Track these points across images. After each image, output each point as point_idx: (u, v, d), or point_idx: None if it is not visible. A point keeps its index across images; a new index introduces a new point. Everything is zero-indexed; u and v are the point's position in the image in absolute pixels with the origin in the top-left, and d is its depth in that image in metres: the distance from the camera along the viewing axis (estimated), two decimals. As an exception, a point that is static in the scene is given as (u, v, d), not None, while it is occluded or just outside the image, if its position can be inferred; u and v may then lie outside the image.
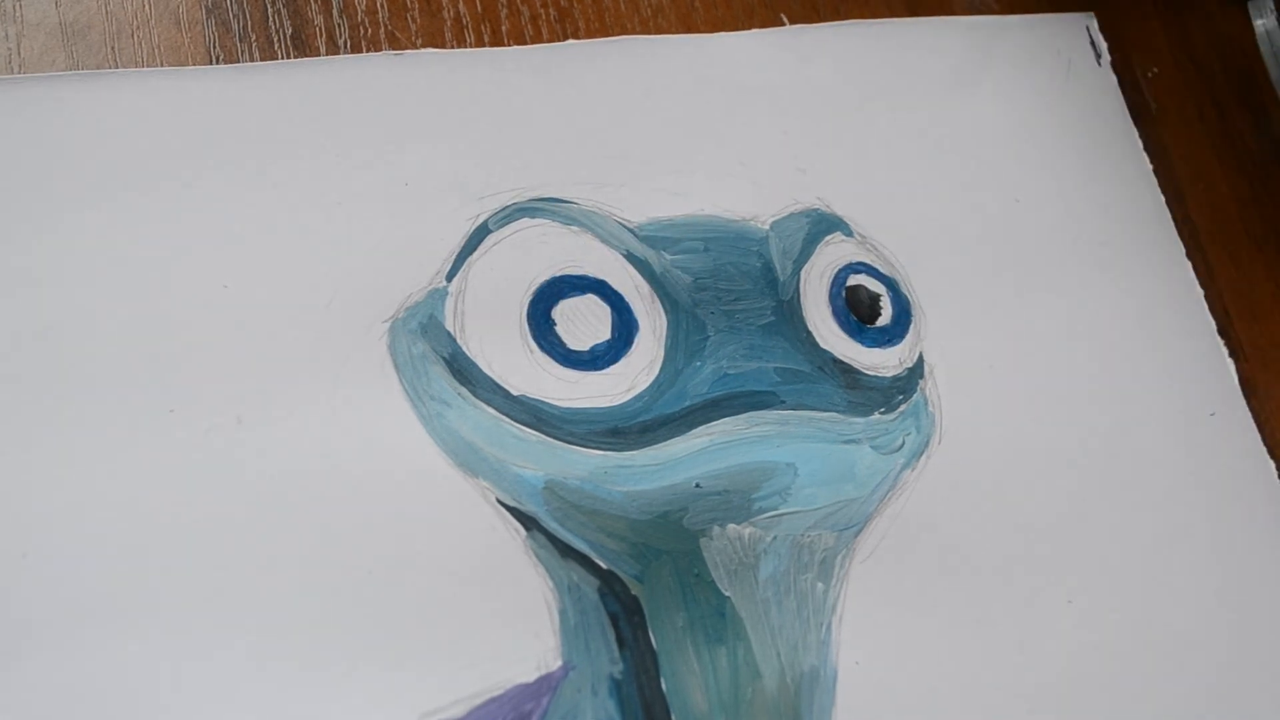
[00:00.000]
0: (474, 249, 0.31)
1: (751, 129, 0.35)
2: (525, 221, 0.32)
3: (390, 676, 0.27)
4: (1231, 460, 0.34)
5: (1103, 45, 0.39)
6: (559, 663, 0.28)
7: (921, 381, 0.33)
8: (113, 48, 0.32)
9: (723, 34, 0.36)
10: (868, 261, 0.34)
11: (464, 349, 0.30)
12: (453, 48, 0.34)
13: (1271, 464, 0.34)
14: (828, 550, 0.30)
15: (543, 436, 0.30)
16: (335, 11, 0.34)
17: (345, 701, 0.26)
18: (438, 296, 0.31)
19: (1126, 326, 0.35)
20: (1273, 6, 0.39)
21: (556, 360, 0.31)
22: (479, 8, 0.35)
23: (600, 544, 0.29)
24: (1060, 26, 0.39)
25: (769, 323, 0.32)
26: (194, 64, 0.32)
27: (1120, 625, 0.31)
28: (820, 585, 0.30)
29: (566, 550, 0.29)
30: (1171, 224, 0.37)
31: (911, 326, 0.34)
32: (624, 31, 0.36)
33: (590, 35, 0.35)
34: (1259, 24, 0.39)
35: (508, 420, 0.30)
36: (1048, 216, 0.36)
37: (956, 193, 0.36)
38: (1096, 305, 0.35)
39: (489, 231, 0.32)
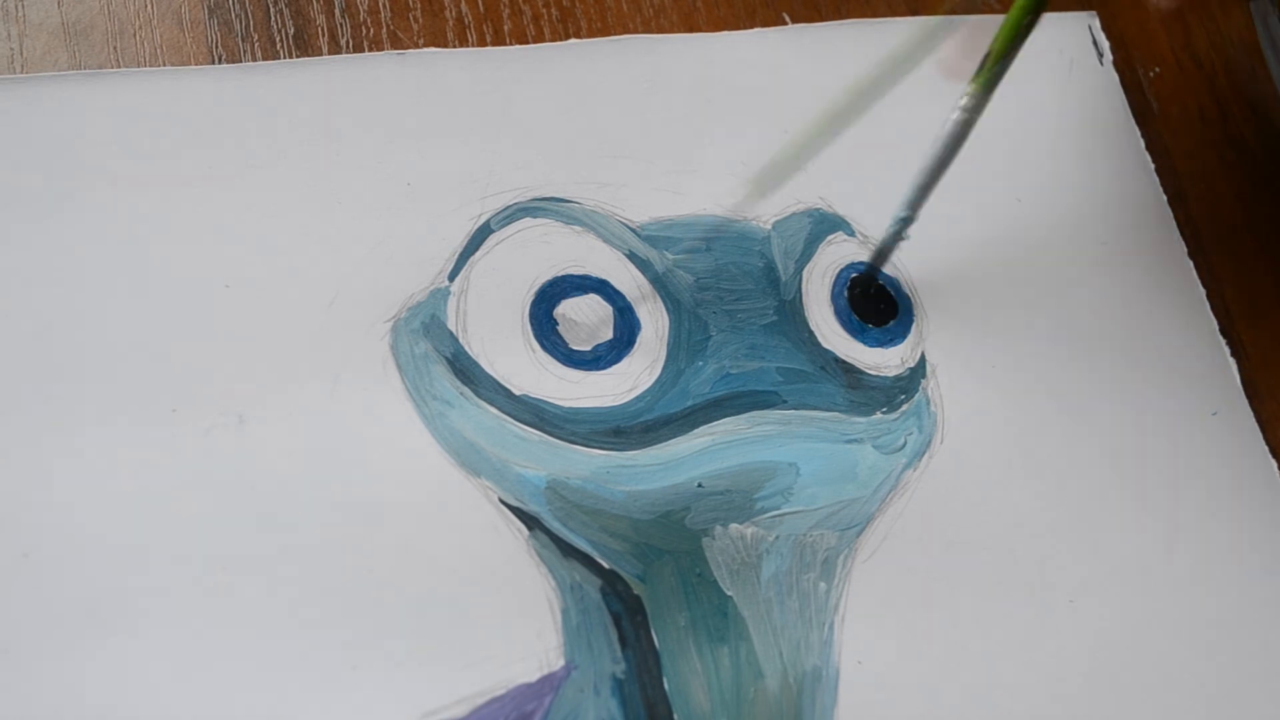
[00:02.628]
0: (476, 248, 0.31)
1: (754, 128, 0.35)
2: (527, 221, 0.32)
3: (392, 676, 0.27)
4: (1233, 460, 0.34)
5: (1105, 44, 0.39)
6: (561, 662, 0.28)
7: (924, 381, 0.33)
8: (115, 47, 0.32)
9: (725, 33, 0.36)
10: (870, 261, 0.34)
11: (466, 349, 0.30)
12: (455, 47, 0.34)
13: (1273, 463, 0.34)
14: (830, 550, 0.30)
15: (545, 436, 0.30)
16: (338, 11, 0.34)
17: (347, 701, 0.26)
18: (440, 296, 0.31)
19: (1128, 326, 0.35)
20: (1273, 5, 0.39)
21: (559, 360, 0.31)
22: (481, 7, 0.35)
23: (602, 544, 0.29)
24: (1062, 26, 0.39)
25: (771, 322, 0.32)
26: (196, 64, 0.32)
27: (1121, 625, 0.31)
28: (822, 585, 0.30)
29: (569, 550, 0.29)
30: (1173, 223, 0.37)
31: (913, 326, 0.34)
32: (626, 31, 0.36)
33: (592, 34, 0.35)
34: (1260, 22, 0.39)
35: (510, 420, 0.30)
36: (1049, 216, 0.36)
37: (958, 192, 0.36)
38: (1098, 305, 0.35)
39: (491, 231, 0.32)
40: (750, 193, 0.33)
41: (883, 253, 0.33)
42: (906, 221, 0.32)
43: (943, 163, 0.31)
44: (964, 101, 0.30)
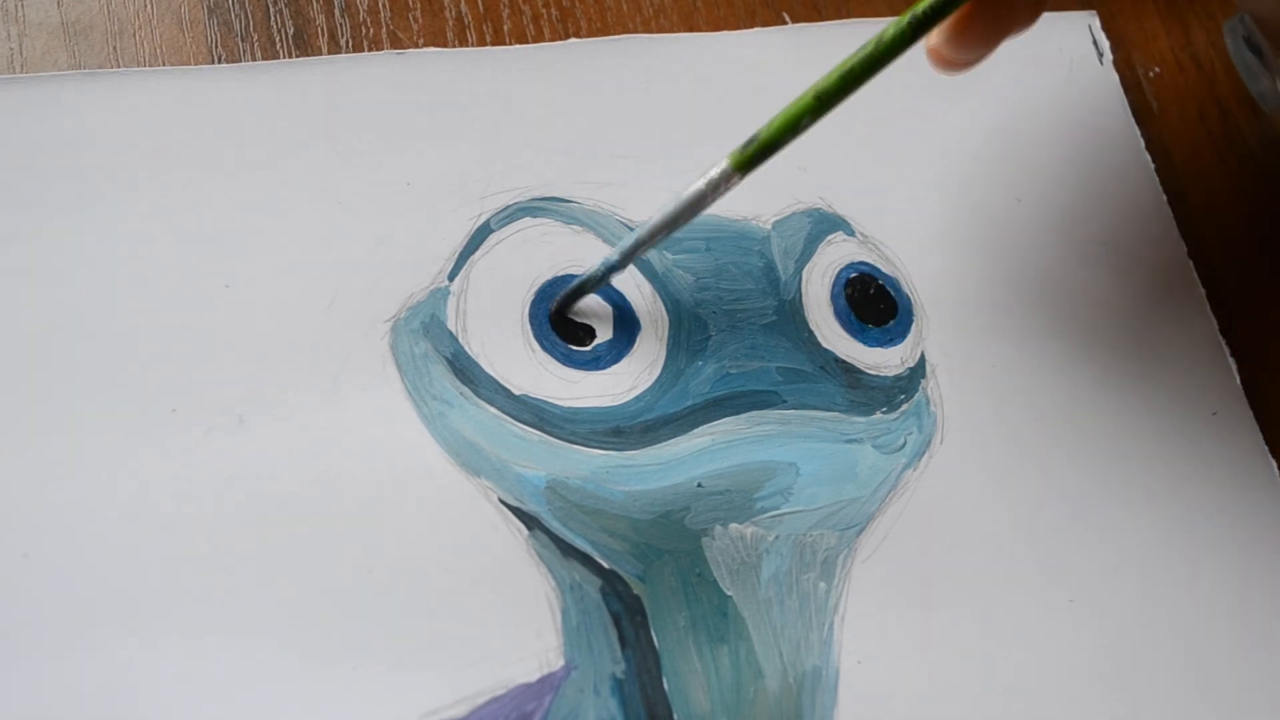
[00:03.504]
0: (476, 248, 0.31)
1: (753, 128, 0.35)
2: (527, 221, 0.32)
3: (392, 676, 0.27)
4: (1232, 460, 0.34)
5: (1105, 44, 0.39)
6: (561, 662, 0.28)
7: (923, 381, 0.33)
8: (115, 47, 0.32)
9: (724, 33, 0.36)
10: (869, 261, 0.34)
11: (466, 348, 0.30)
12: (455, 47, 0.34)
13: (1273, 463, 0.34)
14: (830, 550, 0.30)
15: (545, 436, 0.30)
16: (337, 11, 0.34)
17: (347, 701, 0.26)
18: (440, 296, 0.31)
19: (1128, 326, 0.35)
20: (1243, 27, 0.38)
21: (558, 360, 0.31)
22: (481, 7, 0.35)
23: (602, 543, 0.29)
24: (1062, 25, 0.39)
25: (771, 322, 0.32)
26: (196, 63, 0.32)
27: (1120, 625, 0.31)
28: (822, 585, 0.30)
29: (568, 550, 0.29)
30: (1173, 223, 0.37)
31: (913, 326, 0.34)
32: (626, 30, 0.36)
33: (592, 34, 0.35)
34: (1231, 42, 0.39)
35: (510, 420, 0.30)
36: (1049, 216, 0.36)
37: (958, 192, 0.36)
38: (1098, 305, 0.35)
39: (491, 231, 0.32)
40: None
41: (582, 289, 0.31)
42: (614, 268, 0.30)
43: (669, 225, 0.28)
44: (713, 173, 0.28)
